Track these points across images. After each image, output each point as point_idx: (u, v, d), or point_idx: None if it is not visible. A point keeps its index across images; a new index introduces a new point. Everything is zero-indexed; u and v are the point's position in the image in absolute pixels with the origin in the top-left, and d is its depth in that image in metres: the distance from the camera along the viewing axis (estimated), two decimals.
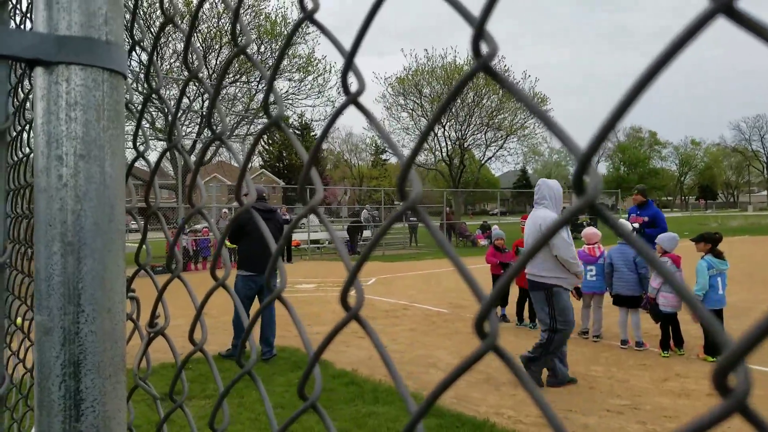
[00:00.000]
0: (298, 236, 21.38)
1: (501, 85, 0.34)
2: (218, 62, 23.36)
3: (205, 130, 22.54)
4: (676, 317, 6.57)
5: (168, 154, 0.84)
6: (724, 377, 0.25)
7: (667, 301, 6.45)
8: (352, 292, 0.48)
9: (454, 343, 7.33)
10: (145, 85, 0.83)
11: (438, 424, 4.47)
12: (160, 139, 22.64)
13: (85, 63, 0.67)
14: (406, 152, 0.43)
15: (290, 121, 50.12)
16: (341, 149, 65.47)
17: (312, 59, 25.54)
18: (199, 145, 22.84)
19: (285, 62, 24.88)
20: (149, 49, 0.78)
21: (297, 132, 49.53)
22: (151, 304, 0.83)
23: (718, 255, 6.34)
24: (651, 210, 8.97)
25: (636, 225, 8.81)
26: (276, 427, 0.59)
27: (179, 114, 0.77)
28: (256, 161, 57.39)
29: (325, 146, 60.02)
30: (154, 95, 0.83)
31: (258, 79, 23.84)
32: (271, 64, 24.35)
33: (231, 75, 23.98)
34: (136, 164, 0.90)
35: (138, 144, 0.86)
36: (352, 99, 0.44)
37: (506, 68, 35.87)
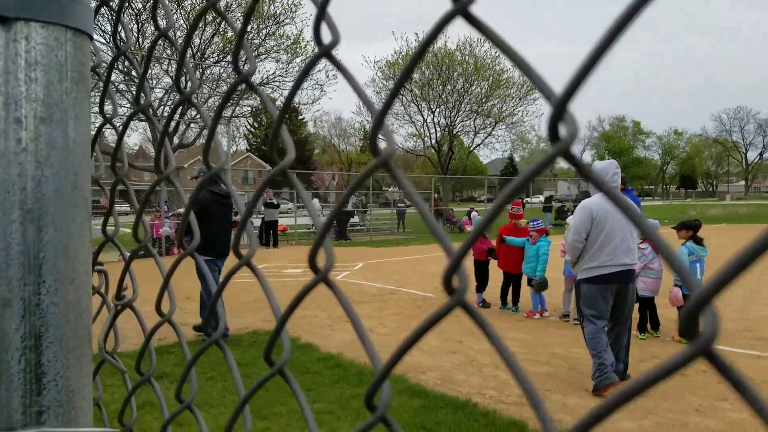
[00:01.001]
0: (284, 221, 21.29)
1: (480, 31, 0.32)
2: (202, 41, 23.01)
3: (189, 110, 22.25)
4: (654, 301, 6.68)
5: (151, 135, 0.81)
6: (693, 321, 0.24)
7: (645, 285, 6.54)
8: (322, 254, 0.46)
9: (440, 326, 7.35)
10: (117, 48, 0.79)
11: (421, 405, 4.50)
12: (141, 120, 22.34)
13: (47, 20, 0.64)
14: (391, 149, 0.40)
15: (277, 104, 49.66)
16: (330, 134, 65.11)
17: (300, 40, 25.24)
18: (182, 127, 22.55)
19: (272, 43, 24.56)
20: (116, 8, 0.74)
21: (285, 115, 48.98)
22: (147, 284, 0.81)
23: (699, 242, 6.43)
24: (627, 197, 9.24)
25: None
26: (243, 392, 0.57)
27: (146, 77, 0.74)
28: (242, 144, 56.92)
29: (313, 130, 59.64)
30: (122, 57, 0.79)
31: (244, 59, 23.54)
32: (257, 43, 24.04)
33: (215, 55, 23.66)
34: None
35: (106, 110, 0.83)
36: (325, 51, 0.42)
37: (496, 55, 35.77)
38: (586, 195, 10.14)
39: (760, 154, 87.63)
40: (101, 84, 0.80)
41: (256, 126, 53.76)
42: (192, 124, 24.24)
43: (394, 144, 0.38)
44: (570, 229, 5.24)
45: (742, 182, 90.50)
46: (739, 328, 7.05)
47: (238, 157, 53.85)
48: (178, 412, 0.69)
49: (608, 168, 5.20)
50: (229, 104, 24.54)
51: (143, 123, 23.81)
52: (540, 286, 7.64)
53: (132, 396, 0.78)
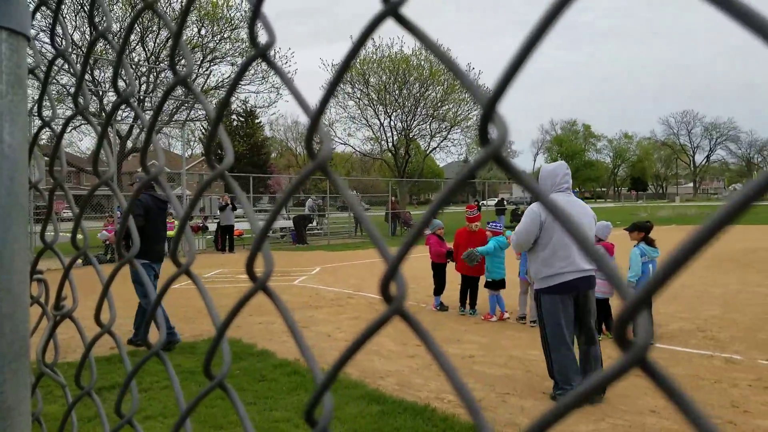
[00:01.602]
0: (240, 225, 20.96)
1: (410, 32, 0.31)
2: (156, 44, 22.51)
3: (144, 113, 21.73)
4: (608, 303, 6.84)
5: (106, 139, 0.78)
6: (623, 329, 0.23)
7: (599, 287, 6.70)
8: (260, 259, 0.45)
9: (398, 331, 7.37)
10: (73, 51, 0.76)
11: (380, 411, 4.49)
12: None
13: None
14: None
15: (233, 107, 48.93)
16: (286, 137, 64.56)
17: (256, 45, 24.96)
18: (135, 131, 21.98)
19: (228, 46, 24.23)
20: (54, 6, 0.72)
21: (241, 118, 48.44)
22: (95, 294, 0.78)
23: (651, 243, 6.62)
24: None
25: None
26: (183, 406, 0.55)
27: (84, 78, 0.70)
28: (197, 148, 55.86)
29: (269, 134, 58.96)
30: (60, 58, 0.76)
31: (198, 62, 23.12)
32: (212, 47, 23.66)
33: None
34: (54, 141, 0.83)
35: (44, 113, 0.79)
36: (261, 52, 0.41)
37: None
38: None
39: (707, 157, 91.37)
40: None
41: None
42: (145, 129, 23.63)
43: (331, 147, 0.38)
44: (516, 232, 5.08)
45: (691, 184, 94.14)
46: (692, 328, 7.30)
47: (193, 160, 52.78)
48: (118, 427, 0.66)
49: (557, 170, 5.05)
50: (183, 108, 24.06)
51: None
52: (469, 256, 7.90)
53: (72, 410, 0.74)
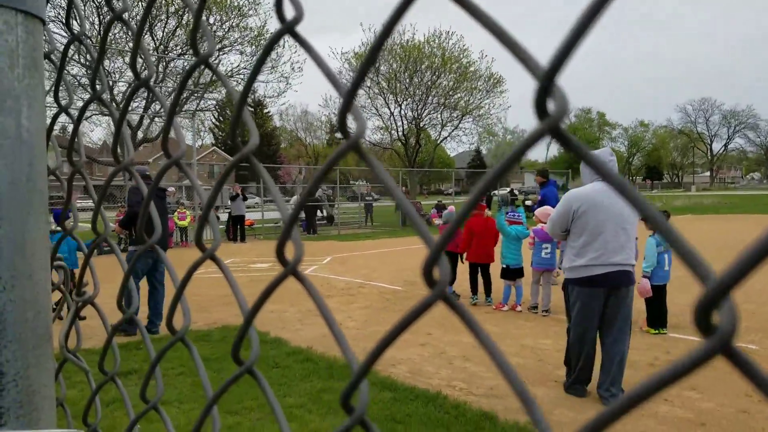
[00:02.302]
0: (252, 215, 21.06)
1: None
2: (165, 33, 22.52)
3: (153, 104, 21.80)
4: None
5: (113, 128, 0.77)
6: (707, 314, 0.22)
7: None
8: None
9: None
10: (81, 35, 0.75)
11: (392, 398, 4.52)
12: (105, 114, 21.78)
13: None
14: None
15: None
16: (296, 127, 64.57)
17: (264, 32, 24.91)
18: (146, 121, 22.08)
19: (236, 35, 24.20)
20: None
21: (250, 108, 48.50)
22: (110, 283, 0.78)
23: None
24: (544, 189, 10.17)
25: (528, 203, 9.97)
26: (211, 393, 0.55)
27: (103, 62, 0.70)
28: (207, 138, 56.05)
29: (279, 124, 59.03)
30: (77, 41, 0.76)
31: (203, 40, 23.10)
32: (221, 36, 23.64)
33: (179, 48, 23.18)
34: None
35: (60, 97, 0.79)
36: (288, 27, 0.40)
37: (464, 47, 35.94)
38: (553, 185, 10.47)
39: (725, 146, 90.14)
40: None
41: (222, 120, 52.95)
42: (156, 118, 23.73)
43: (365, 124, 0.36)
44: (549, 218, 4.92)
45: (707, 173, 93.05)
46: None
47: (203, 151, 53.00)
48: (144, 413, 0.66)
49: (601, 156, 4.63)
50: (193, 98, 24.14)
51: (107, 117, 23.21)
52: (503, 198, 8.24)
53: (95, 396, 0.75)
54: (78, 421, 0.82)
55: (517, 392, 0.29)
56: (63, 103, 0.77)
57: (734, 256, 0.22)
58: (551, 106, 0.26)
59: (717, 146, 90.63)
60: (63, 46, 0.76)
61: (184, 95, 23.60)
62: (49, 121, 0.75)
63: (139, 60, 0.68)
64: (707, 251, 13.76)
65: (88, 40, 0.79)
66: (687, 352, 0.23)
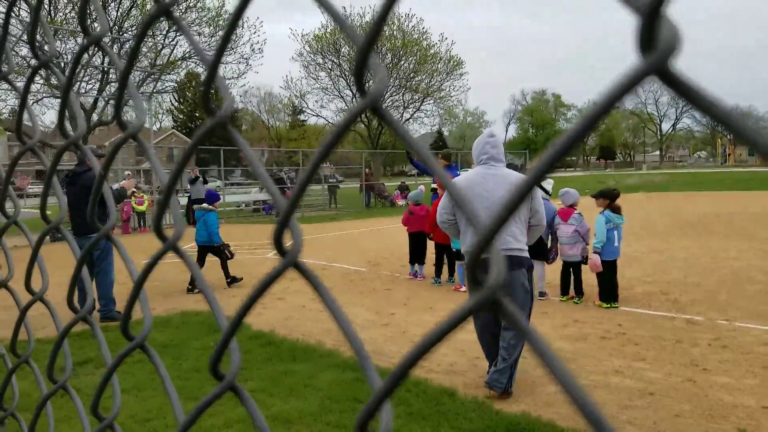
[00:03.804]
0: None
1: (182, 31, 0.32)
2: (119, 14, 21.76)
3: (107, 87, 21.12)
4: (580, 266, 7.01)
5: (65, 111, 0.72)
6: (475, 266, 0.24)
7: (566, 251, 6.96)
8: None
9: (372, 301, 7.47)
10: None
11: (354, 378, 4.59)
12: (57, 97, 20.97)
13: None
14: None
15: (201, 78, 47.78)
16: (259, 109, 63.49)
17: (222, 13, 24.33)
18: (101, 103, 21.38)
19: (193, 15, 23.55)
20: None
21: (211, 90, 47.28)
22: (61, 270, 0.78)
23: (616, 210, 6.75)
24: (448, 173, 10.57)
25: (435, 186, 9.86)
26: (177, 404, 0.53)
27: (6, 39, 0.65)
28: (166, 121, 54.64)
29: (241, 106, 57.87)
30: None
31: (164, 32, 22.46)
32: (176, 16, 22.95)
33: (134, 29, 22.43)
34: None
35: None
36: (164, 9, 0.42)
37: (424, 30, 35.89)
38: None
39: (673, 125, 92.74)
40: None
41: (181, 101, 51.63)
42: (112, 101, 22.97)
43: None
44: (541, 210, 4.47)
45: (657, 152, 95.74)
46: (655, 291, 7.54)
47: (162, 134, 51.66)
48: (52, 392, 0.68)
49: (479, 142, 4.54)
50: (150, 80, 23.46)
51: (59, 99, 22.34)
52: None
53: (10, 379, 0.76)
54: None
55: (352, 346, 0.30)
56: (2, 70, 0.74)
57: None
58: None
59: (666, 126, 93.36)
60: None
61: (141, 77, 22.92)
62: None
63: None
64: (656, 226, 14.26)
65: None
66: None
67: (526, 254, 4.27)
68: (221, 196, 20.97)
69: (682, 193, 28.67)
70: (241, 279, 8.46)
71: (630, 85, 0.22)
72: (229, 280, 8.34)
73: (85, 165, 6.66)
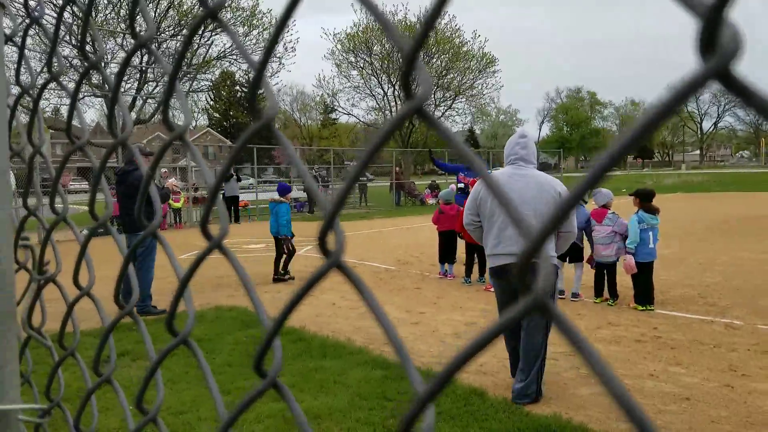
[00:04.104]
0: (245, 197, 21.02)
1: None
2: (156, 14, 22.23)
3: (145, 85, 21.61)
4: (614, 268, 6.87)
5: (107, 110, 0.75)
6: (525, 273, 0.23)
7: (600, 251, 6.83)
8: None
9: (402, 299, 7.47)
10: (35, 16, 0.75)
11: (383, 375, 4.60)
12: (98, 96, 21.56)
13: None
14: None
15: (236, 77, 48.50)
16: (291, 108, 64.10)
17: (256, 12, 24.63)
18: (139, 102, 21.89)
19: (228, 15, 23.90)
20: None
21: (244, 89, 48.07)
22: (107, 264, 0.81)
23: (651, 210, 6.60)
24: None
25: (462, 185, 9.94)
26: (219, 398, 0.54)
27: (58, 41, 0.68)
28: (201, 120, 55.61)
29: None
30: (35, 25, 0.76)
31: (199, 33, 22.85)
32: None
33: (171, 29, 22.90)
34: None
35: (22, 79, 0.79)
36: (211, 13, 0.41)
37: (456, 27, 35.72)
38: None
39: (715, 124, 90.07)
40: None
41: (216, 99, 52.47)
42: (150, 100, 23.51)
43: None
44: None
45: (697, 152, 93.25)
46: (693, 295, 7.35)
47: (197, 132, 52.62)
48: (98, 384, 0.69)
49: (510, 142, 4.51)
50: (186, 79, 23.91)
51: (99, 99, 22.96)
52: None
53: (57, 370, 0.78)
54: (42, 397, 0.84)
55: (398, 353, 0.30)
56: (23, 84, 0.77)
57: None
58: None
59: (707, 125, 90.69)
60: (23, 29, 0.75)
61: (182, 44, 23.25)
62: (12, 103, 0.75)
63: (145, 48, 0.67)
64: (695, 228, 13.90)
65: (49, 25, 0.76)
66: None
67: (555, 260, 4.19)
68: (255, 194, 21.32)
69: (723, 193, 27.87)
70: (292, 278, 8.57)
71: (690, 90, 0.22)
72: (276, 276, 8.48)
73: (133, 164, 6.76)
